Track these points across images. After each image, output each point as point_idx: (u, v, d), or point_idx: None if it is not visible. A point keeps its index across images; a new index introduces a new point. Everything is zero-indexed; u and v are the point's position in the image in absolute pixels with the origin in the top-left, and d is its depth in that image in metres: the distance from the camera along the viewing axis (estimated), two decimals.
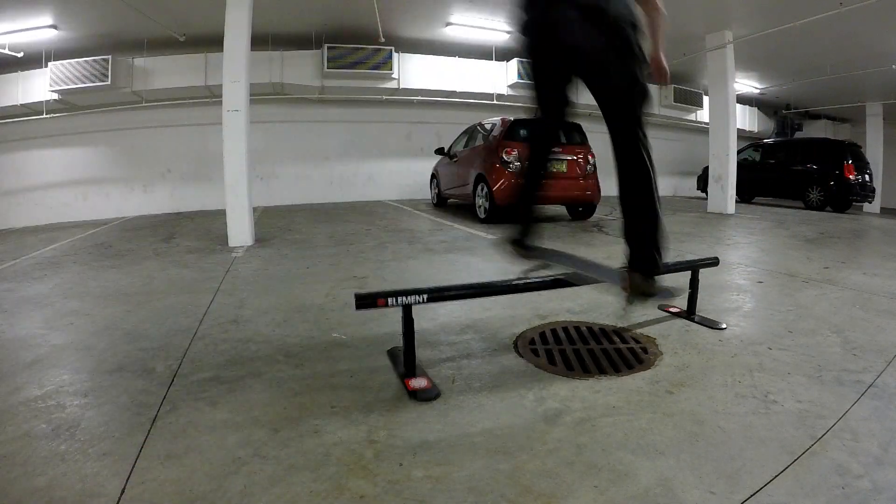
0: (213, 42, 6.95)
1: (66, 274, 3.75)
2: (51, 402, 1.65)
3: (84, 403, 1.65)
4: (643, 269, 1.68)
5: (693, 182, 12.79)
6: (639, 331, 2.34)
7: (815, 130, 14.99)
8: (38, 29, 7.26)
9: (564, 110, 1.83)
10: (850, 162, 9.43)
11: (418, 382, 1.75)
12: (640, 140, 1.56)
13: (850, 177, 9.39)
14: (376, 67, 8.82)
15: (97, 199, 8.90)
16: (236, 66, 4.75)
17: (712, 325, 2.40)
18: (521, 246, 2.15)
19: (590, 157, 6.32)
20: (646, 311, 2.62)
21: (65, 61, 7.79)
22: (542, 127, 1.95)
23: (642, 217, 1.65)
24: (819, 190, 9.71)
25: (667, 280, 3.11)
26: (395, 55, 8.93)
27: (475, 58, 9.72)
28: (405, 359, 1.84)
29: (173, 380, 1.82)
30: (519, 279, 2.15)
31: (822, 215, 8.47)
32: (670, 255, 3.58)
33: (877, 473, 1.24)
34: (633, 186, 1.62)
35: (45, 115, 8.33)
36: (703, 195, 10.78)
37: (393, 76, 9.10)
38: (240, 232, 4.86)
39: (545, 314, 2.56)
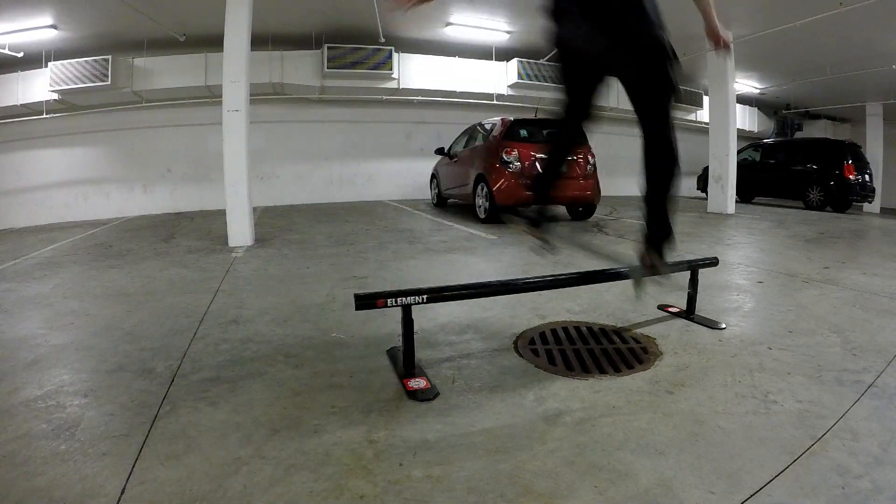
0: (213, 42, 6.94)
1: (66, 274, 3.75)
2: (51, 402, 1.65)
3: (84, 403, 1.65)
4: (660, 246, 1.81)
5: (693, 182, 12.78)
6: (639, 331, 2.34)
7: (815, 130, 14.99)
8: (38, 29, 7.26)
9: (590, 111, 1.91)
10: (850, 162, 9.43)
11: (417, 383, 1.75)
12: (671, 130, 1.69)
13: (850, 177, 9.39)
14: (376, 67, 8.82)
15: (97, 199, 8.89)
16: (236, 66, 4.75)
17: (712, 325, 2.40)
18: (537, 227, 2.22)
19: (590, 157, 6.31)
20: (646, 311, 2.63)
21: (65, 61, 7.78)
22: (568, 126, 2.03)
23: (666, 198, 1.76)
24: (819, 190, 9.71)
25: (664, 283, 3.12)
26: (395, 55, 8.93)
27: (475, 58, 9.72)
28: (404, 359, 1.85)
29: (173, 380, 1.82)
30: (519, 279, 2.15)
31: (822, 215, 8.47)
32: (670, 256, 3.54)
33: (877, 473, 1.24)
34: (662, 172, 1.73)
35: (45, 115, 8.32)
36: (703, 195, 10.79)
37: (393, 76, 9.11)
38: (240, 232, 4.86)
39: (545, 314, 2.56)
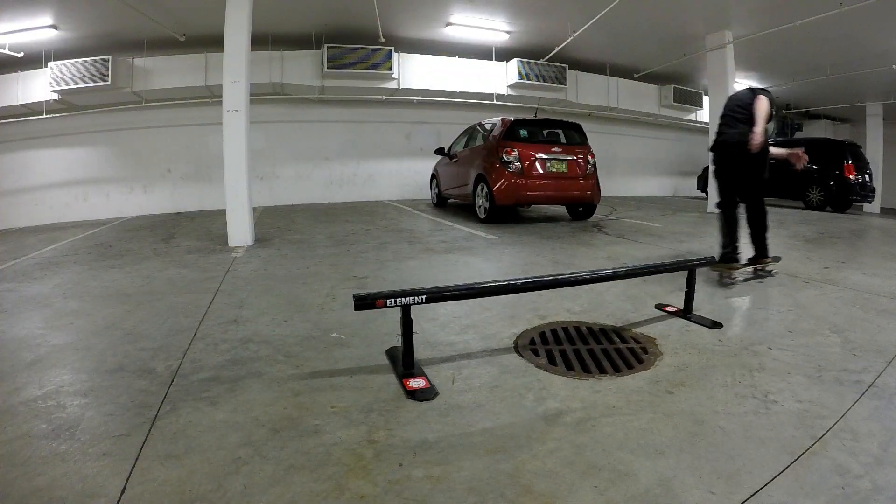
0: (213, 42, 6.96)
1: (66, 274, 3.75)
2: (51, 402, 1.65)
3: (84, 403, 1.65)
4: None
5: (693, 182, 12.79)
6: (638, 331, 2.34)
7: (815, 130, 14.98)
8: (38, 29, 7.25)
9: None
10: (850, 162, 9.42)
11: (417, 383, 1.75)
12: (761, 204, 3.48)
13: (850, 177, 9.38)
14: (376, 67, 8.82)
15: (97, 199, 8.89)
16: (236, 66, 4.74)
17: (712, 324, 2.40)
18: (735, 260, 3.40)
19: (590, 157, 6.30)
20: (646, 311, 2.63)
21: (65, 61, 7.78)
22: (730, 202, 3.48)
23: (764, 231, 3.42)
24: (819, 190, 9.70)
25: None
26: (394, 55, 8.92)
27: (475, 58, 9.71)
28: (404, 359, 1.85)
29: (173, 380, 1.82)
30: (519, 279, 2.15)
31: (822, 215, 8.47)
32: (668, 255, 3.56)
33: (877, 473, 1.24)
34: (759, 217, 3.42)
35: (45, 115, 8.32)
36: (703, 195, 10.78)
37: (393, 76, 9.10)
38: (240, 232, 4.86)
39: (545, 314, 2.56)
